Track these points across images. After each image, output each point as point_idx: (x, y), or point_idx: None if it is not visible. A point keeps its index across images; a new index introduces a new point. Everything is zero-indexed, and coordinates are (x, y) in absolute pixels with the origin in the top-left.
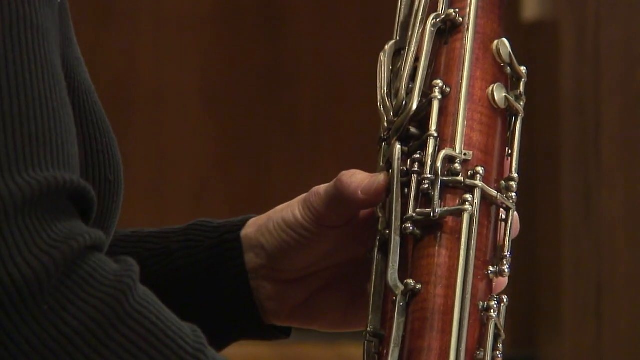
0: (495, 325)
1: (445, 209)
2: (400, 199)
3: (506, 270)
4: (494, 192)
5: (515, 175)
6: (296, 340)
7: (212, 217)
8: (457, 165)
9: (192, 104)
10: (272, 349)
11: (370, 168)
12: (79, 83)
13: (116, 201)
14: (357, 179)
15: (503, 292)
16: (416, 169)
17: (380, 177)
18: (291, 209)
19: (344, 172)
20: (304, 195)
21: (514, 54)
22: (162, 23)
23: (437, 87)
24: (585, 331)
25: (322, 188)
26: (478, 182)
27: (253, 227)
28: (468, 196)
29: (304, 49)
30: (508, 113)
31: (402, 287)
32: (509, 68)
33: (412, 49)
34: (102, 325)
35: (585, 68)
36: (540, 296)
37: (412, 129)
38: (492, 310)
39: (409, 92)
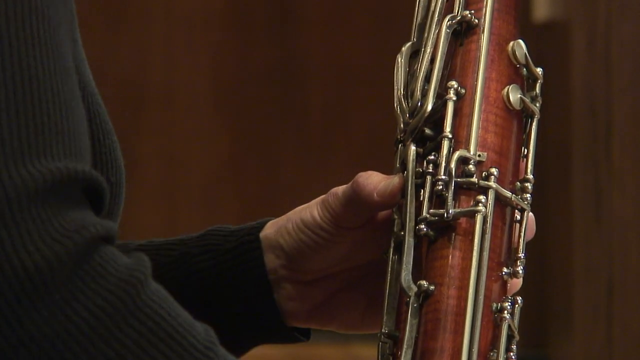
0: (509, 326)
1: (459, 210)
2: (414, 201)
3: (520, 272)
4: (508, 194)
5: (530, 176)
6: (307, 340)
7: (223, 217)
8: (471, 166)
9: (203, 104)
10: (283, 349)
11: (382, 167)
12: (85, 84)
13: (118, 203)
14: (372, 180)
15: (516, 293)
16: (430, 170)
17: (395, 180)
18: (309, 210)
19: (360, 174)
20: (322, 196)
21: (530, 55)
22: (173, 23)
23: (452, 89)
24: (596, 332)
25: (340, 189)
26: (492, 183)
27: (272, 228)
28: (481, 197)
29: (315, 49)
30: (524, 114)
31: (415, 289)
32: (524, 69)
33: (428, 51)
34: (113, 317)
35: (596, 68)
36: (551, 297)
37: (427, 131)
38: (505, 312)
39: (424, 93)
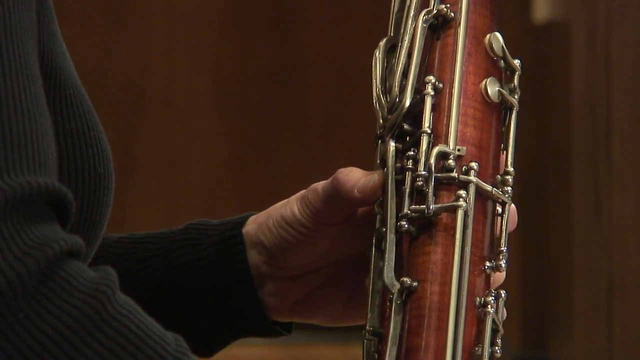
0: (493, 320)
1: (439, 205)
2: (395, 197)
3: (503, 265)
4: (488, 187)
5: (511, 169)
6: (307, 341)
7: (223, 217)
8: (450, 161)
9: (203, 105)
10: (282, 350)
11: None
12: (65, 77)
13: (107, 194)
14: (353, 177)
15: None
16: (410, 166)
17: (375, 176)
18: (289, 206)
19: (340, 170)
20: (302, 192)
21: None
22: (173, 24)
23: (430, 84)
24: (596, 333)
25: (319, 185)
26: (472, 178)
27: (253, 224)
28: (462, 192)
29: (314, 50)
30: (502, 107)
31: (398, 286)
32: (502, 62)
33: (405, 45)
34: (79, 333)
35: (596, 69)
36: (552, 298)
37: (406, 126)
38: (489, 306)
39: (402, 89)
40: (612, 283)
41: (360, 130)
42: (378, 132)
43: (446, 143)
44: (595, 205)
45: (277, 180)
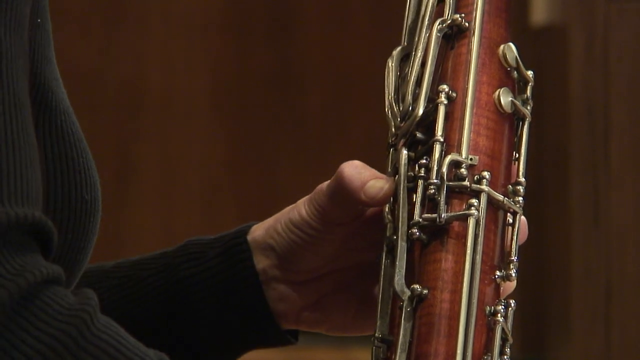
0: (502, 329)
1: (451, 214)
2: (407, 205)
3: (513, 275)
4: (500, 197)
5: (522, 179)
6: (305, 344)
7: (221, 221)
8: (463, 170)
9: (201, 109)
10: (281, 353)
11: (379, 170)
12: (57, 103)
13: (92, 221)
14: (361, 176)
15: (511, 296)
16: (422, 174)
17: (386, 185)
18: (297, 209)
19: (344, 164)
20: (309, 195)
21: (522, 58)
22: (171, 28)
23: (443, 92)
24: (594, 336)
25: (325, 184)
26: (484, 187)
27: (260, 230)
28: (474, 201)
29: (313, 53)
30: (515, 117)
31: (408, 293)
32: (515, 72)
33: (419, 54)
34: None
35: (594, 72)
36: (550, 301)
37: (419, 135)
38: (499, 315)
39: (415, 97)
40: (610, 285)
41: (358, 134)
42: (390, 140)
43: (459, 152)
44: (594, 208)
45: (275, 183)
